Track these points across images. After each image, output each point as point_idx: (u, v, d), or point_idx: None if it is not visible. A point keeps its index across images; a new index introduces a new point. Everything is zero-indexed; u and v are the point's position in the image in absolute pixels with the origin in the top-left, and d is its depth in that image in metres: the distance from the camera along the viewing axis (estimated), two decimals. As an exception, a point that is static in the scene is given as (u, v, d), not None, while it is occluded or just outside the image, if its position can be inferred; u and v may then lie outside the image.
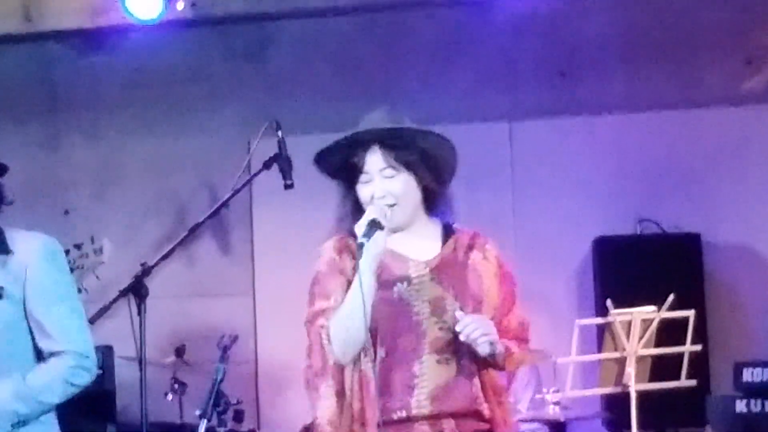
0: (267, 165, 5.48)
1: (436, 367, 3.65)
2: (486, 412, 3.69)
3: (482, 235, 3.82)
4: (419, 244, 3.76)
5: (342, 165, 3.75)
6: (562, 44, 7.24)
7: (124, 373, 6.44)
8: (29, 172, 7.39)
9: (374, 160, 3.69)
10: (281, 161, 5.45)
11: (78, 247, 5.48)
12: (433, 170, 3.73)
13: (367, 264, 3.58)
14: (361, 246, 3.56)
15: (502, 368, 3.74)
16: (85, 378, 3.68)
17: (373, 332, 3.64)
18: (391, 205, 3.69)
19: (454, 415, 3.66)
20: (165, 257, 5.42)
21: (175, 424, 6.31)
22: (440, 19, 7.32)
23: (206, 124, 7.50)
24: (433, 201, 3.77)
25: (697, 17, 7.14)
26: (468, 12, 7.24)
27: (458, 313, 3.61)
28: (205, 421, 5.43)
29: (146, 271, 5.28)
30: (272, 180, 5.47)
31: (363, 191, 3.72)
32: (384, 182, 3.69)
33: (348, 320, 3.59)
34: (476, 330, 3.57)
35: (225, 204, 5.52)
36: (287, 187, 5.48)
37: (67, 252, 5.31)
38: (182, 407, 6.33)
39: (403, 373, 3.64)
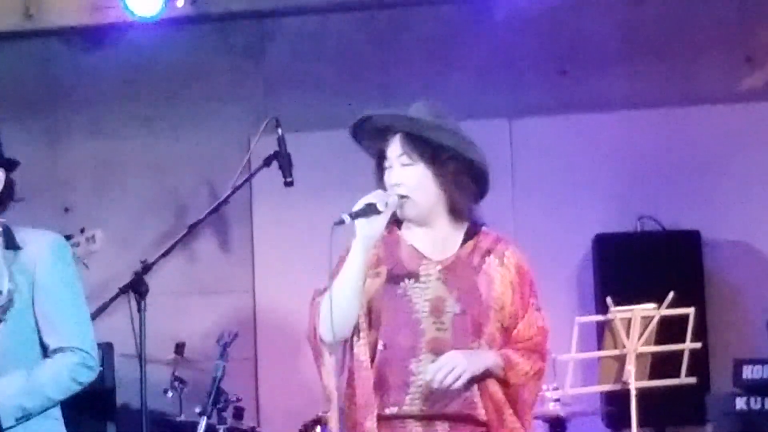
0: (267, 162, 5.48)
1: None
2: (482, 417, 3.67)
3: (505, 241, 3.80)
4: (439, 242, 3.76)
5: (375, 151, 3.80)
6: (563, 41, 7.24)
7: (124, 370, 6.44)
8: (29, 169, 7.30)
9: (394, 147, 3.73)
10: (281, 158, 5.46)
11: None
12: (454, 171, 3.73)
13: (358, 243, 3.61)
14: (341, 222, 3.58)
15: (504, 381, 3.70)
16: (89, 376, 3.70)
17: (374, 322, 3.67)
18: (403, 196, 3.69)
19: (448, 418, 3.66)
20: (165, 254, 5.43)
21: (175, 422, 6.30)
22: (440, 15, 7.32)
23: (206, 122, 7.49)
24: (457, 209, 3.76)
25: (697, 15, 7.14)
26: (468, 9, 7.23)
27: (429, 366, 3.59)
28: (205, 418, 5.44)
29: (146, 268, 5.29)
30: (272, 177, 5.48)
31: (386, 177, 3.75)
32: (400, 170, 3.72)
33: (335, 299, 3.61)
34: (447, 377, 3.56)
35: (225, 201, 5.53)
36: (287, 184, 5.49)
37: None
38: (182, 404, 6.31)
39: (399, 370, 3.65)
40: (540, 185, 7.15)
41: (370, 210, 3.61)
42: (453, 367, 3.57)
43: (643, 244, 6.93)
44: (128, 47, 7.44)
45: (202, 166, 7.39)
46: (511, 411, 3.72)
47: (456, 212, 3.77)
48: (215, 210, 5.55)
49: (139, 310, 5.19)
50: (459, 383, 3.58)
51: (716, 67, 7.11)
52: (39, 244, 3.69)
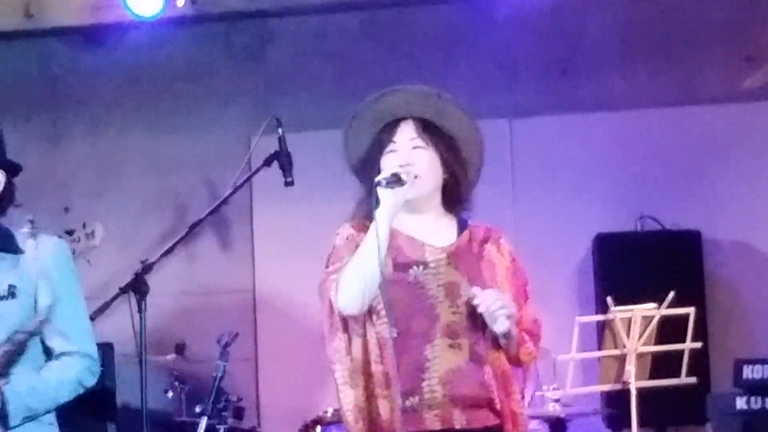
0: (267, 162, 5.48)
1: (448, 351, 3.66)
2: (497, 403, 3.68)
3: (496, 230, 3.85)
4: (435, 232, 3.78)
5: (367, 155, 3.80)
6: (563, 41, 7.25)
7: (125, 370, 6.44)
8: (29, 169, 7.32)
9: (406, 131, 3.76)
10: (281, 158, 5.45)
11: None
12: (459, 161, 3.79)
13: (384, 213, 3.62)
14: (377, 184, 3.60)
15: (515, 356, 3.72)
16: (92, 380, 3.69)
17: (387, 309, 3.65)
18: (416, 176, 3.71)
19: (465, 403, 3.65)
20: (165, 254, 5.42)
21: (175, 422, 6.31)
22: (441, 15, 7.32)
23: (207, 121, 7.49)
24: (453, 197, 3.80)
25: (697, 14, 7.14)
26: (468, 9, 7.24)
27: (475, 289, 3.61)
28: (206, 418, 5.44)
29: (146, 268, 5.28)
30: (272, 177, 5.47)
31: (387, 160, 3.75)
32: (411, 152, 3.74)
33: (360, 266, 3.61)
34: (495, 302, 3.58)
35: (225, 201, 5.52)
36: (287, 184, 5.48)
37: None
38: (183, 404, 6.32)
39: (414, 356, 3.65)
40: (540, 185, 7.15)
41: (396, 180, 3.64)
42: (503, 300, 3.60)
43: (644, 243, 6.93)
44: (128, 47, 7.44)
45: (202, 165, 7.40)
46: (518, 394, 3.73)
47: (454, 201, 3.81)
48: (216, 209, 5.54)
49: (139, 310, 5.18)
50: (501, 312, 3.58)
51: (716, 66, 7.12)
52: (42, 248, 3.67)
